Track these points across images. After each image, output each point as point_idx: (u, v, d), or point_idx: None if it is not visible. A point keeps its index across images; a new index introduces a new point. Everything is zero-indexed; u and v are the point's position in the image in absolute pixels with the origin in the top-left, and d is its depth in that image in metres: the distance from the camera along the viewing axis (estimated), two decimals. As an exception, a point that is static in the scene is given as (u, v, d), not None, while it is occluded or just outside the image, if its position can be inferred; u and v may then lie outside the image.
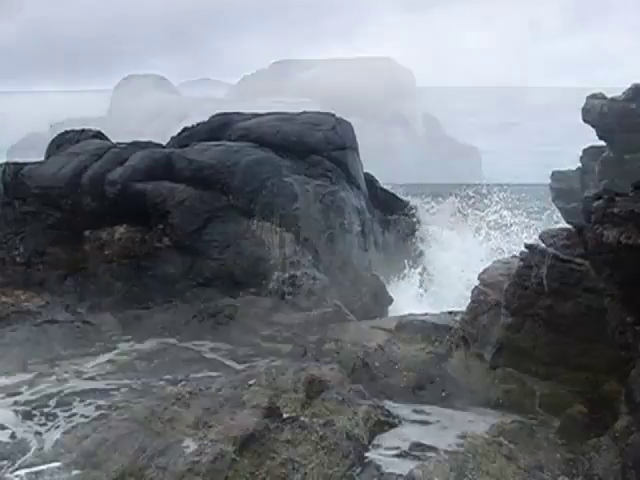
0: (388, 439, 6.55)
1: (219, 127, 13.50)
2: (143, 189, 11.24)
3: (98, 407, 7.32)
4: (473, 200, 16.09)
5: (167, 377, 8.41)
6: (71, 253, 11.40)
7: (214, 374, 8.33)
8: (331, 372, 7.56)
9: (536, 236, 8.83)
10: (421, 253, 14.47)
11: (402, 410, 7.34)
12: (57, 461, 5.87)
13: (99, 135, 13.93)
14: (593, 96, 22.03)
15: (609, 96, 21.57)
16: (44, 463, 5.87)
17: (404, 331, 8.28)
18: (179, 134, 14.15)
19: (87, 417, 6.89)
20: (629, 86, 21.07)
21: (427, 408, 7.41)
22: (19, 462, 6.01)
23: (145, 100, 51.10)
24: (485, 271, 8.24)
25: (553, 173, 24.66)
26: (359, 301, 11.39)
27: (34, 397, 7.67)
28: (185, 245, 10.79)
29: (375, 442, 6.46)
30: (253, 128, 12.98)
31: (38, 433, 6.73)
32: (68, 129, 14.26)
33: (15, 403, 7.49)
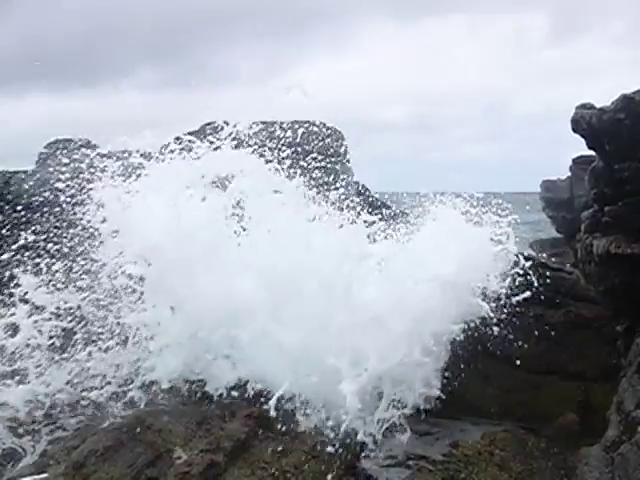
0: (380, 448, 6.53)
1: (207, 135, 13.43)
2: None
3: (87, 417, 7.25)
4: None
5: (157, 387, 8.34)
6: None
7: (204, 384, 8.26)
8: (322, 381, 7.53)
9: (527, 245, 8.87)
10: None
11: (393, 419, 7.32)
12: (45, 472, 5.80)
13: (88, 144, 13.84)
14: (582, 106, 22.04)
15: (598, 106, 21.61)
16: (31, 474, 5.80)
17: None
18: (168, 142, 14.08)
19: (75, 428, 6.82)
20: (617, 96, 21.14)
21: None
22: (6, 474, 5.94)
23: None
24: (476, 280, 8.23)
25: (543, 182, 24.70)
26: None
27: (21, 408, 7.58)
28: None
29: (366, 451, 6.44)
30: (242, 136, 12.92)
31: (25, 444, 6.65)
32: (59, 138, 14.18)
33: (2, 414, 7.40)
